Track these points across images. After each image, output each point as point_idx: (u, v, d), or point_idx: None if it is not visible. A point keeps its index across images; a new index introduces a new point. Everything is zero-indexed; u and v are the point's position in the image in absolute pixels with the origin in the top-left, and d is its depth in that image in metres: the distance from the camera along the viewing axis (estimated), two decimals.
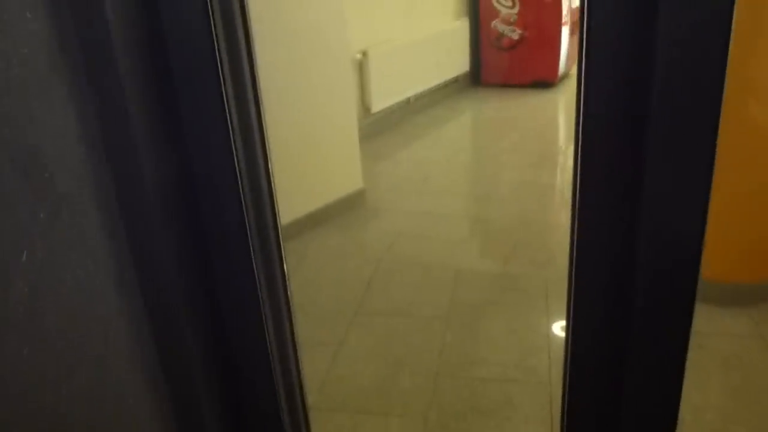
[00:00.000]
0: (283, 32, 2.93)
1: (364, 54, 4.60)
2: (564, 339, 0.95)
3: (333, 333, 2.43)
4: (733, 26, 0.67)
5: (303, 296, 2.68)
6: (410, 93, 5.23)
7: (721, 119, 0.73)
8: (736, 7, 0.67)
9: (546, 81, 6.04)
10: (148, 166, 0.92)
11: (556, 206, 3.63)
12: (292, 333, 1.16)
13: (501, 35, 6.06)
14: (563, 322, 2.37)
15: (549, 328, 2.38)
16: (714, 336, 2.26)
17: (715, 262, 2.38)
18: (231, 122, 0.92)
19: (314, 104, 3.18)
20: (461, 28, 5.99)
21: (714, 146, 0.75)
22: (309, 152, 3.20)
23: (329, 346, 2.35)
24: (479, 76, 6.30)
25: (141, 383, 1.05)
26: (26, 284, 0.81)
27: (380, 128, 4.93)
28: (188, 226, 1.02)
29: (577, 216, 0.86)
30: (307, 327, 2.52)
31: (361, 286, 2.71)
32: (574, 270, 0.90)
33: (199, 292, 1.06)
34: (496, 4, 5.99)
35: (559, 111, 5.70)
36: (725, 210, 2.18)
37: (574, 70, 6.55)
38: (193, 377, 1.08)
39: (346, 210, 3.42)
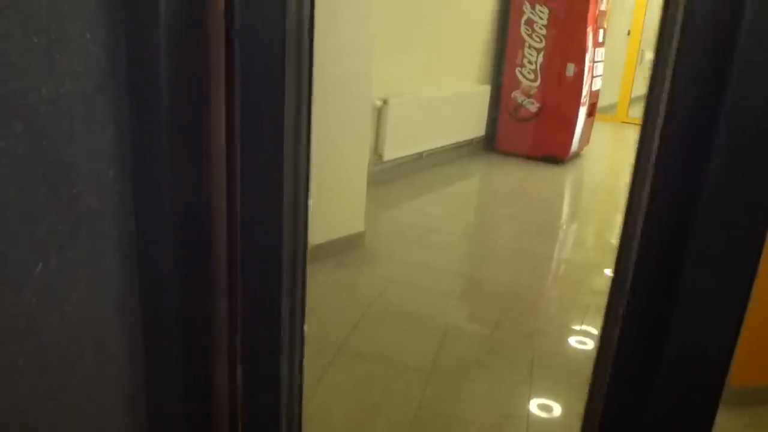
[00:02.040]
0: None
1: (385, 102, 4.68)
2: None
3: (311, 370, 2.40)
4: None
5: None
6: (424, 148, 5.31)
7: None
8: None
9: (557, 157, 6.13)
10: (169, 193, 0.92)
11: (549, 278, 3.64)
12: (301, 370, 1.13)
13: (519, 106, 6.19)
14: (544, 399, 2.36)
15: (530, 399, 2.36)
16: None
17: None
18: (285, 158, 0.93)
19: (329, 142, 3.23)
20: (482, 93, 6.12)
21: (756, 265, 0.74)
22: (316, 188, 3.23)
23: (305, 382, 2.32)
24: (493, 142, 6.40)
25: (125, 413, 1.03)
26: (35, 295, 0.81)
27: (390, 177, 4.98)
28: (199, 256, 1.01)
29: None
30: None
31: (347, 327, 2.70)
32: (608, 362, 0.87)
33: (197, 324, 1.05)
34: (518, 75, 6.13)
35: (565, 187, 5.77)
36: None
37: (584, 150, 6.67)
38: (177, 414, 1.06)
39: (344, 250, 3.43)
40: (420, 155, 5.32)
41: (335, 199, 3.37)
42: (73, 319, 0.88)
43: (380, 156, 4.78)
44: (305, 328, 1.11)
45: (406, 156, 5.14)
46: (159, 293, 0.98)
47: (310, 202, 1.05)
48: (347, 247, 3.47)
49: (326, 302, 2.93)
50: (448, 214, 4.43)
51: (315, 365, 2.43)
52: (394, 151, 4.89)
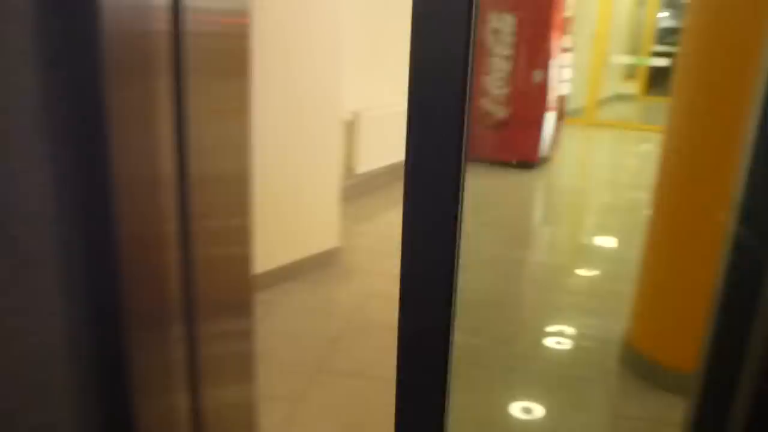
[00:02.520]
0: (280, 85, 3.02)
1: (356, 115, 4.71)
2: None
3: (292, 388, 2.41)
4: None
5: (266, 347, 2.67)
6: (395, 160, 5.34)
7: None
8: None
9: (527, 161, 6.22)
10: (110, 230, 0.89)
11: (525, 283, 3.69)
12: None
13: (488, 113, 6.26)
14: (525, 402, 2.39)
15: (507, 406, 2.39)
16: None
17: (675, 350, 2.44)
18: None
19: (300, 158, 3.25)
20: None
21: None
22: (289, 205, 3.25)
23: (286, 401, 2.33)
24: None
25: None
26: None
27: (364, 190, 5.01)
28: (156, 296, 0.99)
29: None
30: (266, 380, 2.51)
31: (327, 344, 2.71)
32: None
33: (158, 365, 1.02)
34: (486, 84, 6.21)
35: (537, 191, 5.85)
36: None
37: (555, 154, 6.76)
38: None
39: (320, 267, 3.45)
40: (393, 167, 5.35)
41: (309, 216, 3.39)
42: (18, 369, 0.85)
43: (353, 170, 4.81)
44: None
45: (380, 168, 5.17)
46: (113, 342, 0.95)
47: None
48: (324, 263, 3.48)
49: (304, 320, 2.94)
50: None
51: (296, 384, 2.44)
52: (367, 164, 4.92)
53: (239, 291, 1.29)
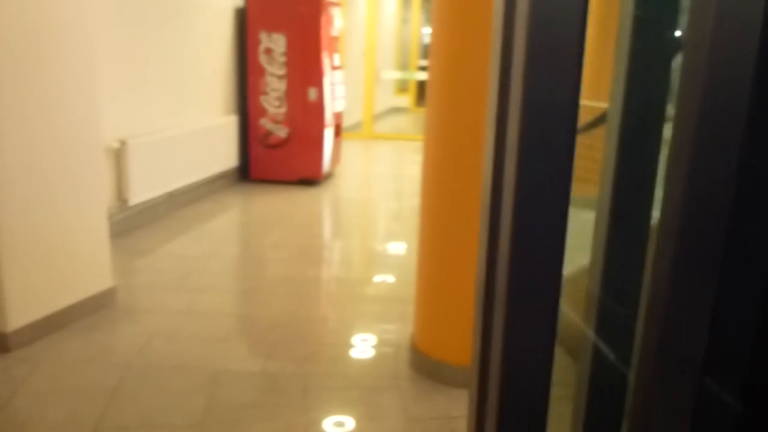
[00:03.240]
0: (26, 115, 2.68)
1: (123, 143, 4.39)
2: None
3: None
4: None
5: (33, 411, 2.34)
6: (174, 186, 5.08)
7: None
8: None
9: (311, 179, 6.29)
10: None
11: (318, 300, 3.69)
12: None
13: (269, 133, 6.23)
14: (322, 417, 2.36)
15: (307, 426, 2.35)
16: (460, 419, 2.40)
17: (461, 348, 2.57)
18: None
19: (59, 194, 2.91)
20: (230, 123, 6.05)
21: None
22: (51, 247, 2.90)
23: None
24: (247, 171, 6.36)
25: None
26: None
27: (140, 222, 4.67)
28: None
29: None
30: None
31: (104, 397, 2.45)
32: None
33: None
34: (264, 103, 6.18)
35: (323, 207, 5.93)
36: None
37: (337, 170, 6.93)
38: None
39: (91, 311, 3.12)
40: (171, 194, 5.08)
41: (75, 257, 3.05)
42: None
43: (125, 201, 4.46)
44: None
45: (156, 197, 4.87)
46: None
47: None
48: (97, 306, 3.16)
49: (78, 373, 2.63)
50: (207, 252, 4.27)
51: None
52: (141, 194, 4.60)
53: None
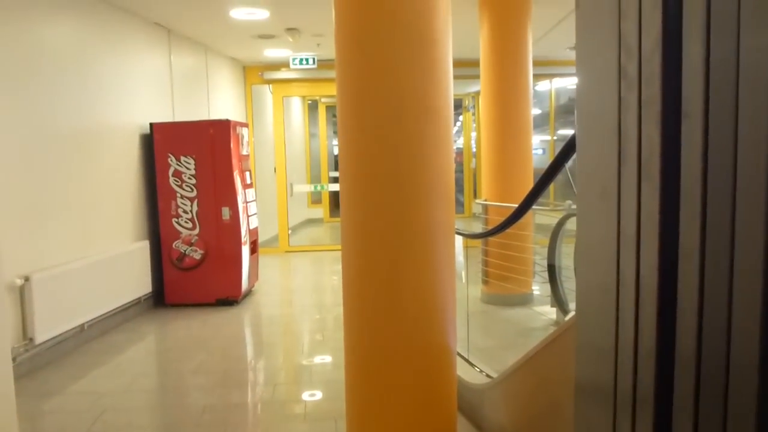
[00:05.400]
0: None
1: (27, 279, 4.19)
2: None
3: None
4: None
5: None
6: (84, 319, 4.84)
7: None
8: None
9: (229, 299, 6.17)
10: None
11: (245, 428, 3.53)
12: None
13: (183, 255, 6.12)
14: None
15: None
16: None
17: None
18: None
19: None
20: (141, 249, 5.91)
21: None
22: None
23: None
24: (162, 296, 6.17)
25: None
26: None
27: (48, 360, 4.39)
28: None
29: None
30: None
31: None
32: None
33: None
34: (176, 226, 6.11)
35: (244, 326, 5.79)
36: None
37: (256, 287, 6.84)
38: None
39: None
40: (81, 328, 4.83)
41: None
42: None
43: (31, 340, 4.21)
44: None
45: (65, 332, 4.61)
46: None
47: None
48: None
49: None
50: (123, 386, 4.04)
51: None
52: (47, 331, 4.36)
53: None
